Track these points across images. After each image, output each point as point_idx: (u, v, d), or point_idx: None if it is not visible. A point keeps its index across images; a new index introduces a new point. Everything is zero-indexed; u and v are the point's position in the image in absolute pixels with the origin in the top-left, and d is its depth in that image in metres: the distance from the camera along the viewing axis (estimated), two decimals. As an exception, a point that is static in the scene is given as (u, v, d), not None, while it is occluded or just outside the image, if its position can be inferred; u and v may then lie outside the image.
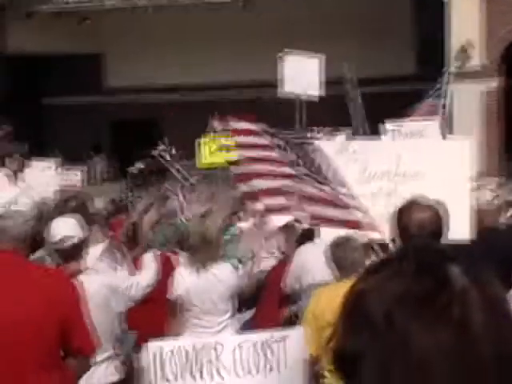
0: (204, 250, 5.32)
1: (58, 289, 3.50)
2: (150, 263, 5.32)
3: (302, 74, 12.20)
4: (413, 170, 4.76)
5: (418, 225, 3.41)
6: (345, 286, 4.37)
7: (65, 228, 4.32)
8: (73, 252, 4.36)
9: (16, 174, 5.94)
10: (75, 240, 4.29)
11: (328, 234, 5.04)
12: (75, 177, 14.38)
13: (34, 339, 3.34)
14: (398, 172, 4.75)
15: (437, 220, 3.44)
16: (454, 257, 1.15)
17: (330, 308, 4.46)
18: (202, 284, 5.28)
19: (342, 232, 4.83)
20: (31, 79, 24.46)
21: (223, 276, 5.33)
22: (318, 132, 12.52)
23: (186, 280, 5.31)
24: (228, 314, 5.41)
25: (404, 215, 3.50)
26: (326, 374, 4.54)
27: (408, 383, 1.05)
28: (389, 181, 4.75)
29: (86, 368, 3.67)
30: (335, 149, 4.85)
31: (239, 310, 7.11)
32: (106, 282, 4.50)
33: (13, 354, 3.31)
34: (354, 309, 1.16)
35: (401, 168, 4.75)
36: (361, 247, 4.73)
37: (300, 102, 12.42)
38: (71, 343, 3.48)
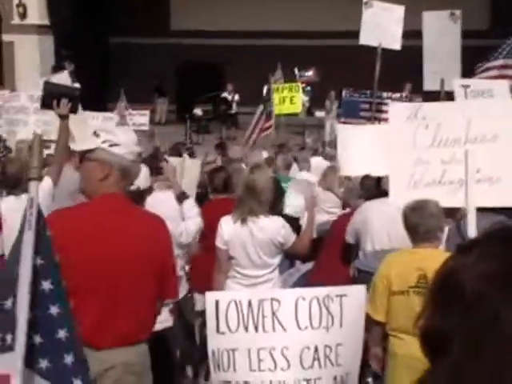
0: (249, 202, 5.27)
1: (161, 233, 3.62)
2: (191, 209, 5.28)
3: (385, 23, 11.91)
4: (485, 134, 4.62)
5: None
6: (416, 254, 4.26)
7: None
8: (137, 197, 4.38)
9: (65, 118, 5.91)
10: (141, 186, 4.30)
11: (399, 195, 4.88)
12: (143, 117, 14.50)
13: (141, 276, 3.48)
14: (470, 137, 4.61)
15: None
16: None
17: (400, 276, 4.42)
18: (241, 236, 5.25)
19: (417, 195, 4.64)
20: (98, 18, 24.57)
21: (267, 229, 5.24)
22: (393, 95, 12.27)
23: (227, 230, 5.30)
24: (269, 269, 5.32)
25: None
26: (391, 339, 4.50)
27: (499, 360, 1.07)
28: (460, 147, 4.61)
29: (160, 312, 3.81)
30: (406, 114, 4.72)
31: (291, 264, 7.11)
32: None
33: (119, 289, 3.43)
34: (444, 287, 1.17)
35: (472, 133, 4.61)
36: (438, 213, 4.45)
37: (381, 53, 12.08)
38: (163, 286, 3.60)
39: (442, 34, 12.07)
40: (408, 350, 4.25)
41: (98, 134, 3.52)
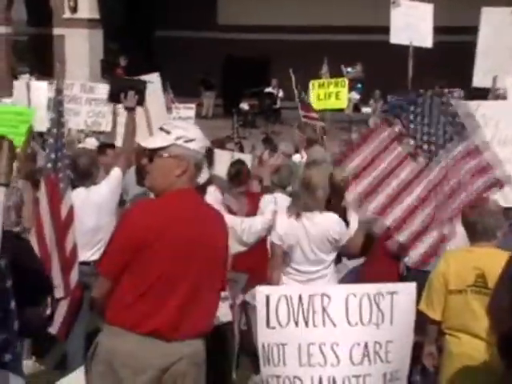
0: (304, 197, 5.28)
1: (221, 228, 3.69)
2: (268, 206, 5.25)
3: (415, 21, 11.86)
4: None
5: None
6: (474, 253, 4.27)
7: None
8: (199, 192, 4.40)
9: (132, 111, 6.01)
10: (200, 180, 4.29)
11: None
12: (189, 111, 14.53)
13: (210, 269, 3.56)
14: None
15: None
16: None
17: (457, 274, 4.40)
18: (295, 231, 5.25)
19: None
20: (147, 11, 24.75)
21: (321, 225, 5.22)
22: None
23: (282, 225, 5.29)
24: (324, 265, 5.31)
25: None
26: (447, 337, 4.49)
27: None
28: None
29: None
30: (464, 112, 4.69)
31: (338, 260, 7.10)
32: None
33: (195, 282, 3.49)
34: None
35: None
36: (498, 212, 4.42)
37: (413, 50, 12.04)
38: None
39: (501, 31, 11.93)
40: (464, 349, 4.24)
41: (168, 131, 3.52)
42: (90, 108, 9.91)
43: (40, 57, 22.39)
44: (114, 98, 6.23)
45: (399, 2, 12.07)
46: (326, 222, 5.22)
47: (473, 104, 4.95)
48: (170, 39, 25.12)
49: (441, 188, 4.92)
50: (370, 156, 5.04)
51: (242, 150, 13.26)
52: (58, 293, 5.56)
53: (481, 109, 4.69)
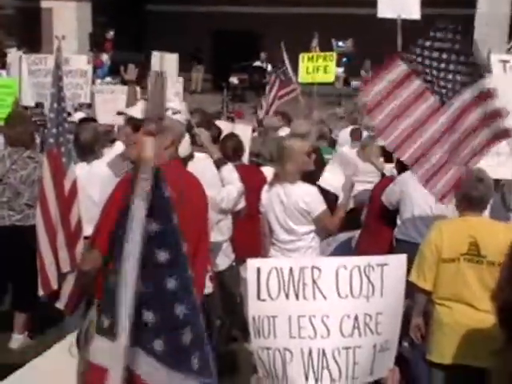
0: (277, 168, 5.47)
1: (207, 197, 3.74)
2: (231, 174, 5.31)
3: None
4: None
5: None
6: (468, 222, 4.34)
7: None
8: None
9: (135, 83, 6.00)
10: (181, 154, 4.30)
11: None
12: (177, 85, 14.40)
13: (201, 237, 3.63)
14: None
15: None
16: None
17: (451, 243, 4.42)
18: (271, 200, 5.41)
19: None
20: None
21: (291, 195, 5.32)
22: None
23: (264, 194, 5.51)
24: (296, 236, 5.38)
25: None
26: (438, 307, 4.51)
27: None
28: None
29: None
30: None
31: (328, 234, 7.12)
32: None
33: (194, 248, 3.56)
34: None
35: None
36: (489, 182, 4.52)
37: (401, 24, 11.96)
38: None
39: (496, 4, 11.90)
40: (456, 317, 4.26)
41: None
42: (67, 80, 9.76)
43: (28, 30, 22.19)
44: (114, 70, 6.28)
45: None
46: (296, 193, 5.33)
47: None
48: (159, 13, 24.93)
49: (453, 132, 4.90)
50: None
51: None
52: (65, 267, 5.59)
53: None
